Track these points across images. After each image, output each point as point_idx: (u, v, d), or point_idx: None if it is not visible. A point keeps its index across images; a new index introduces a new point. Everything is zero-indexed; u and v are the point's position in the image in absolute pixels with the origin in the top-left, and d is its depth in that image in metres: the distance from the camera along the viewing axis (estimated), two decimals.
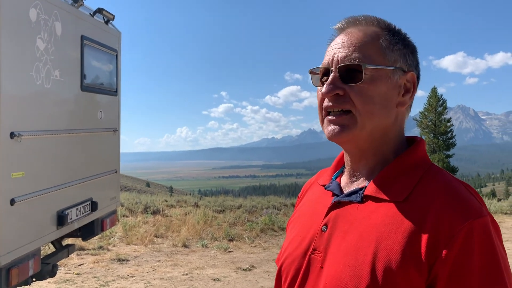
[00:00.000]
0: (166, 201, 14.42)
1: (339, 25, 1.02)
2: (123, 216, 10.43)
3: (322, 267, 0.94)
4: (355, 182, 1.02)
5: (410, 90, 0.99)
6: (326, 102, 0.96)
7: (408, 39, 1.01)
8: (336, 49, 0.97)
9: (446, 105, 34.97)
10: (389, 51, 0.96)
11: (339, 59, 0.95)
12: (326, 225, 0.98)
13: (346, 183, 1.04)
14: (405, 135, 1.05)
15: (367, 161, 1.00)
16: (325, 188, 1.08)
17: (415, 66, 1.01)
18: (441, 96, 34.87)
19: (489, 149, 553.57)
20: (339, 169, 1.12)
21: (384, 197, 0.93)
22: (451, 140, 34.38)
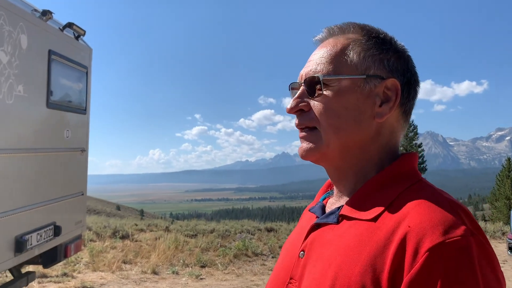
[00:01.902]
0: (136, 225, 13.96)
1: (318, 36, 0.96)
2: (91, 240, 9.98)
3: None
4: (338, 202, 0.91)
5: (390, 98, 0.86)
6: (296, 119, 0.91)
7: (391, 43, 0.89)
8: (307, 63, 0.92)
9: (417, 130, 35.78)
10: (359, 59, 0.86)
11: (305, 73, 0.90)
12: (303, 250, 0.88)
13: (331, 204, 0.93)
14: (399, 151, 0.92)
15: (347, 180, 0.90)
16: (309, 210, 0.99)
17: (402, 72, 0.88)
18: (411, 122, 35.69)
19: (457, 174, 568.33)
20: (330, 190, 1.01)
21: (356, 215, 0.82)
22: (422, 165, 35.06)
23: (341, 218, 0.84)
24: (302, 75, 0.91)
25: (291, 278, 0.87)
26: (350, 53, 0.87)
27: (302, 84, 0.90)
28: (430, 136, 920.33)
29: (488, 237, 12.02)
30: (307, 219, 0.99)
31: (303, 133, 0.89)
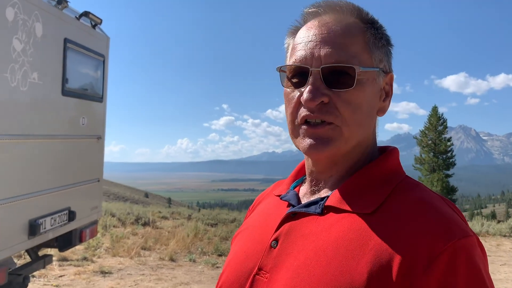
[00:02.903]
0: (160, 212, 14.21)
1: (314, 9, 0.83)
2: (113, 226, 10.21)
3: None
4: (318, 193, 0.85)
5: (389, 93, 0.86)
6: (305, 111, 0.78)
7: (386, 33, 0.85)
8: (315, 42, 0.78)
9: (446, 124, 34.87)
10: (375, 48, 0.81)
11: (321, 57, 0.77)
12: (276, 240, 0.81)
13: (306, 193, 0.88)
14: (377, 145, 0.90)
15: (336, 171, 0.84)
16: (281, 198, 0.91)
17: (391, 66, 0.87)
18: (441, 115, 34.79)
19: (490, 170, 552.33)
20: (299, 178, 0.96)
21: (348, 208, 0.77)
22: (451, 160, 34.18)
23: (326, 210, 0.80)
24: (314, 58, 0.78)
25: (260, 269, 0.80)
26: (370, 41, 0.80)
27: (317, 71, 0.77)
28: (462, 130, 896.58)
29: None
30: (274, 206, 0.92)
31: (315, 127, 0.78)
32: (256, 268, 0.81)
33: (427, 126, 34.92)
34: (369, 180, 0.81)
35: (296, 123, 0.81)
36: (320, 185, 0.86)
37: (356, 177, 0.81)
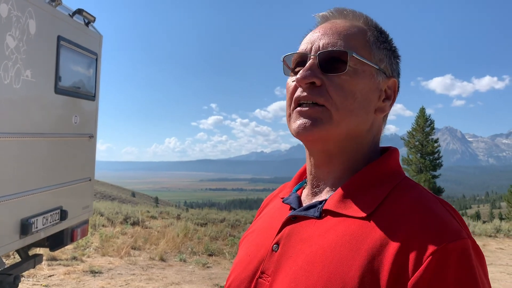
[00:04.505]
0: (149, 212, 14.12)
1: (324, 13, 0.90)
2: (102, 226, 10.13)
3: None
4: (317, 195, 0.86)
5: (390, 97, 0.87)
6: (299, 92, 0.82)
7: (394, 44, 0.89)
8: (317, 35, 0.85)
9: (433, 125, 35.25)
10: (376, 47, 0.84)
11: (320, 45, 0.83)
12: (278, 243, 0.82)
13: (307, 195, 0.89)
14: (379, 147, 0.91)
15: (333, 169, 0.85)
16: (283, 201, 0.92)
17: (398, 75, 0.90)
18: (429, 117, 35.16)
19: (475, 171, 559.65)
20: (302, 181, 0.97)
21: (345, 212, 0.78)
22: (438, 161, 34.57)
23: (324, 213, 0.80)
24: (313, 47, 0.83)
25: (262, 272, 0.82)
26: (371, 40, 0.84)
27: (313, 56, 0.82)
28: (448, 132, 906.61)
29: (502, 235, 11.82)
30: (278, 209, 0.94)
31: (307, 108, 0.81)
32: (259, 271, 0.82)
33: (414, 127, 35.26)
34: (367, 182, 0.81)
35: (291, 106, 0.85)
36: (321, 186, 0.87)
37: (354, 179, 0.82)
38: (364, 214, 0.76)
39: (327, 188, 0.86)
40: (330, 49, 0.81)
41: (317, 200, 0.85)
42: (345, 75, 0.80)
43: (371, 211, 0.76)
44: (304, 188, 0.94)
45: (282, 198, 0.95)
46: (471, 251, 0.69)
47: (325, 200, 0.82)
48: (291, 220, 0.83)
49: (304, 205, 0.87)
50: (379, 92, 0.85)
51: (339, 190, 0.81)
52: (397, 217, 0.73)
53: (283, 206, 0.92)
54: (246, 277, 0.84)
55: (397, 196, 0.77)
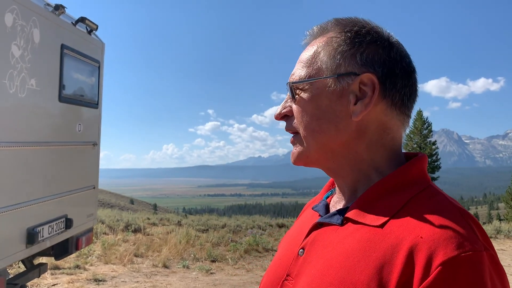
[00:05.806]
0: (149, 219, 14.08)
1: (304, 41, 0.94)
2: (103, 233, 10.10)
3: None
4: (342, 202, 0.90)
5: (367, 94, 0.81)
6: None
7: (367, 34, 0.83)
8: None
9: (431, 128, 35.34)
10: (330, 58, 0.83)
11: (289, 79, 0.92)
12: (303, 248, 0.86)
13: (335, 203, 0.93)
14: (402, 151, 0.89)
15: (344, 179, 0.89)
16: (312, 208, 0.98)
17: (382, 63, 0.82)
18: (426, 119, 35.26)
19: (472, 173, 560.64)
20: (332, 189, 1.00)
21: (362, 220, 0.79)
22: (436, 163, 34.64)
23: (345, 220, 0.82)
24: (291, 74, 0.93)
25: (288, 275, 0.86)
26: (321, 54, 0.86)
27: (288, 88, 0.91)
28: (445, 134, 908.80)
29: (502, 236, 11.84)
30: (309, 216, 0.98)
31: (291, 138, 0.90)
32: (285, 273, 0.87)
33: (412, 130, 35.35)
34: (385, 191, 0.81)
35: None
36: (343, 194, 0.90)
37: (373, 188, 0.82)
38: (379, 223, 0.76)
39: (348, 196, 0.89)
40: (288, 82, 0.89)
41: (341, 207, 0.88)
42: (300, 101, 0.86)
43: (386, 219, 0.76)
44: (333, 196, 0.97)
45: (313, 205, 1.00)
46: (485, 265, 0.67)
47: (347, 207, 0.85)
48: (317, 226, 0.87)
49: (331, 212, 0.90)
50: (347, 97, 0.82)
51: (359, 200, 0.83)
52: (411, 226, 0.72)
53: (314, 213, 0.97)
54: (275, 279, 0.90)
55: (415, 204, 0.77)
